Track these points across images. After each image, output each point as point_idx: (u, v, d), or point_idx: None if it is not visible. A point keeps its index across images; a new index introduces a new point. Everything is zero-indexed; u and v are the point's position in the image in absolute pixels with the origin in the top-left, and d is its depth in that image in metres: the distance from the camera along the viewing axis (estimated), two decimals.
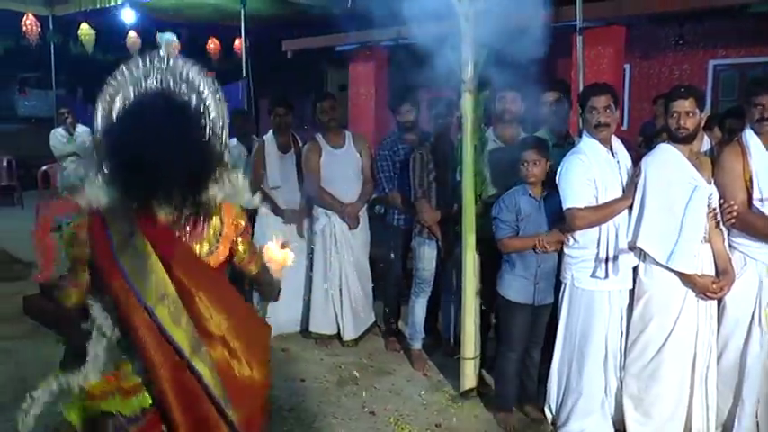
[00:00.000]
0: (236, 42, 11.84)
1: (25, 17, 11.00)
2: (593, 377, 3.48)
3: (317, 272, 4.95)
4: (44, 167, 9.71)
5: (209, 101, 2.13)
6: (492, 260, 3.83)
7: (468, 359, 3.97)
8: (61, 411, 2.18)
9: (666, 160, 3.26)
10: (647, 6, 6.98)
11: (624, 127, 8.26)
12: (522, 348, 3.72)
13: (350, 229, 4.86)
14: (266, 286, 2.47)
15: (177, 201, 1.97)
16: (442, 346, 4.69)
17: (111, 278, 1.96)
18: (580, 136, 3.59)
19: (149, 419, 2.02)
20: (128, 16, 10.61)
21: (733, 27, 8.11)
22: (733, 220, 3.21)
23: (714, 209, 3.24)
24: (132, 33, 11.92)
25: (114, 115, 2.08)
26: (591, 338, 3.44)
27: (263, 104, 10.61)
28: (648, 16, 7.27)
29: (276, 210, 5.04)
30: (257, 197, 2.32)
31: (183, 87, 2.11)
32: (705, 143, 3.41)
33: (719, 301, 3.32)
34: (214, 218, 2.10)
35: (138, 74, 2.10)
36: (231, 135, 5.60)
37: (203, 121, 2.08)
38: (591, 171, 3.35)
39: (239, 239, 2.19)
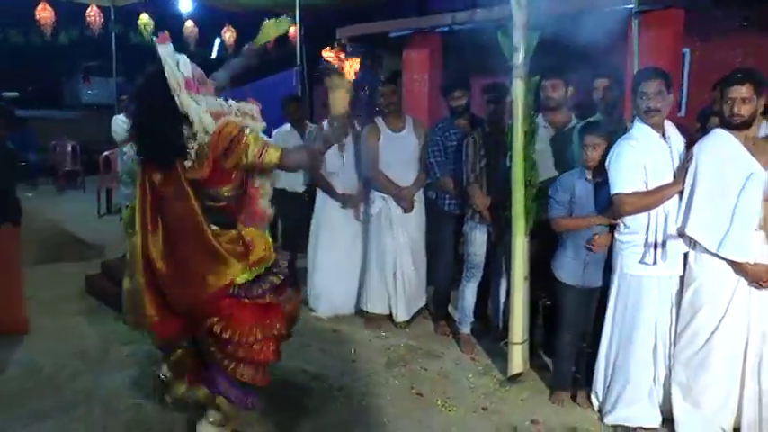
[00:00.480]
0: (291, 30, 11.97)
1: (89, 8, 11.37)
2: (640, 364, 3.46)
3: (372, 254, 5.06)
4: (105, 153, 10.04)
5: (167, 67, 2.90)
6: (548, 244, 3.86)
7: (517, 344, 4.00)
8: None
9: (720, 146, 3.20)
10: None
11: (682, 113, 8.04)
12: (577, 330, 3.76)
13: (405, 212, 4.92)
14: (301, 165, 3.30)
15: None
16: (491, 331, 4.71)
17: None
18: (633, 121, 3.55)
19: None
20: (185, 6, 10.84)
21: None
22: None
23: None
24: (189, 23, 12.19)
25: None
26: (639, 325, 3.42)
27: (316, 91, 10.72)
28: None
29: (333, 194, 5.15)
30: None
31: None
32: (763, 128, 3.32)
33: None
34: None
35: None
36: (285, 121, 5.75)
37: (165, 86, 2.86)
38: (641, 157, 3.33)
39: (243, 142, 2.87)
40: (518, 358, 4.03)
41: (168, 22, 12.36)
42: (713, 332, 3.24)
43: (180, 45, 12.90)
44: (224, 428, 3.23)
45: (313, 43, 9.62)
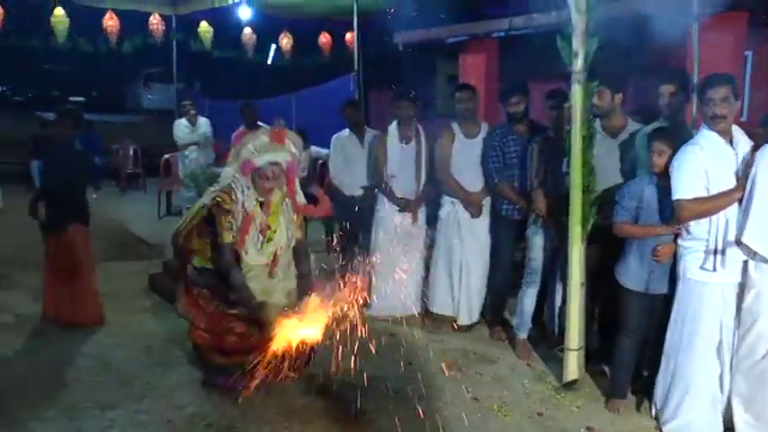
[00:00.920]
0: (348, 36, 12.13)
1: (152, 17, 11.79)
2: (702, 372, 3.41)
3: (440, 256, 5.14)
4: (166, 156, 10.34)
5: None
6: (611, 250, 3.86)
7: (572, 350, 3.99)
8: None
9: None
10: None
11: (744, 117, 7.84)
12: (638, 336, 3.74)
13: (472, 217, 4.96)
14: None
15: None
16: (547, 337, 4.70)
17: None
18: (695, 126, 3.51)
19: None
20: (244, 14, 11.12)
21: None
22: None
23: None
24: (247, 30, 12.50)
25: None
26: (700, 332, 3.38)
27: (373, 96, 10.84)
28: None
29: (392, 198, 5.23)
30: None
31: None
32: None
33: None
34: None
35: None
36: (343, 126, 5.85)
37: None
38: (704, 163, 3.30)
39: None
40: (574, 365, 4.01)
41: (227, 30, 12.73)
42: None
43: (239, 52, 13.25)
44: None
45: (370, 49, 9.78)
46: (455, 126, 5.03)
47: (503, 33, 8.73)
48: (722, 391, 3.43)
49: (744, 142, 3.38)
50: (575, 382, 4.01)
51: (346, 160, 5.57)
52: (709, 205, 3.29)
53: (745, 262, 3.30)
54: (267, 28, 12.74)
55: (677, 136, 3.62)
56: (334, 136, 5.71)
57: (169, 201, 10.08)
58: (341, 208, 5.76)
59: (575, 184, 3.86)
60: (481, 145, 4.97)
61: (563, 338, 4.06)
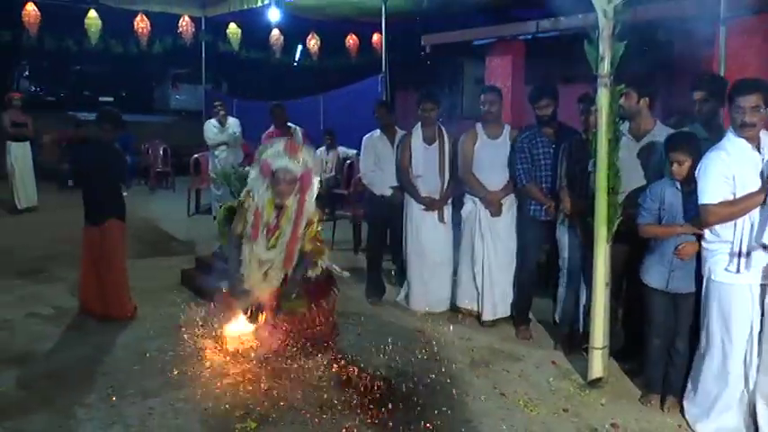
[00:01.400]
0: (375, 37, 12.26)
1: (182, 19, 12.01)
2: (732, 373, 3.45)
3: (464, 254, 5.30)
4: (195, 155, 10.54)
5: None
6: (639, 250, 3.95)
7: (597, 349, 4.06)
8: None
9: None
10: None
11: None
12: (665, 335, 3.83)
13: (492, 215, 5.07)
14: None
15: None
16: (573, 336, 4.76)
17: None
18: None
19: None
20: (273, 15, 11.27)
21: None
22: None
23: None
24: (275, 31, 12.66)
25: None
26: (729, 333, 3.43)
27: (399, 96, 10.94)
28: None
29: (417, 197, 5.39)
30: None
31: None
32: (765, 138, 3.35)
33: None
34: None
35: None
36: (373, 126, 5.97)
37: None
38: (730, 168, 3.34)
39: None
40: (598, 363, 4.08)
41: (255, 31, 12.90)
42: None
43: (266, 53, 13.43)
44: None
45: (397, 51, 9.89)
46: (479, 127, 5.17)
47: (530, 36, 8.79)
48: (748, 391, 3.46)
49: None
50: (599, 379, 4.08)
51: (377, 160, 5.69)
52: (734, 208, 3.33)
53: None
54: (295, 29, 12.89)
55: (696, 142, 3.67)
56: (366, 136, 5.83)
57: (198, 199, 10.29)
58: (371, 207, 5.91)
59: (600, 185, 3.93)
60: (503, 146, 5.10)
61: (588, 337, 4.14)
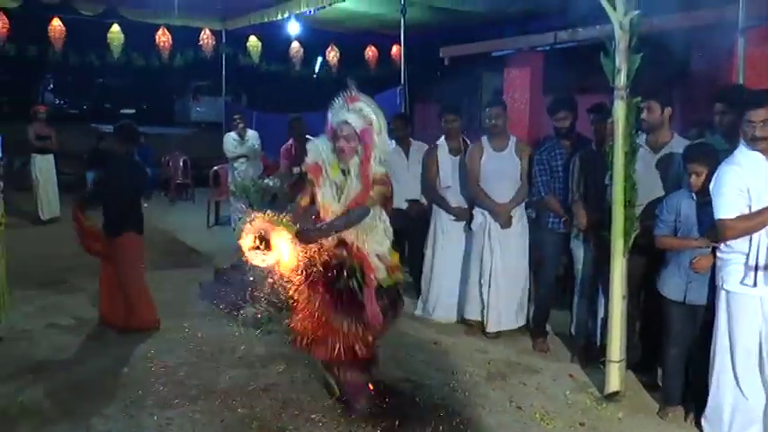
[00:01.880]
0: (394, 49, 12.31)
1: (203, 32, 12.15)
2: (749, 385, 3.43)
3: (473, 266, 5.29)
4: (215, 168, 10.64)
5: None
6: (656, 261, 3.96)
7: (614, 362, 4.03)
8: None
9: None
10: None
11: None
12: (683, 345, 3.82)
13: (502, 228, 5.05)
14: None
15: None
16: (590, 349, 4.74)
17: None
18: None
19: None
20: (293, 28, 11.37)
21: None
22: None
23: None
24: (295, 44, 12.75)
25: None
26: (740, 344, 3.42)
27: (418, 109, 10.97)
28: None
29: (447, 208, 5.46)
30: None
31: None
32: None
33: None
34: None
35: None
36: (390, 138, 6.02)
37: None
38: (744, 181, 3.33)
39: None
40: (615, 377, 4.05)
41: (276, 44, 13.01)
42: None
43: (286, 66, 13.53)
44: None
45: (416, 63, 9.93)
46: (484, 140, 5.18)
47: (548, 47, 8.80)
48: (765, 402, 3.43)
49: None
50: (616, 393, 4.05)
51: (392, 173, 5.71)
52: (751, 223, 3.32)
53: None
54: (314, 42, 12.98)
55: (713, 154, 3.65)
56: None
57: (218, 211, 10.37)
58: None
59: (617, 198, 3.92)
60: (510, 158, 5.12)
61: (605, 350, 4.11)
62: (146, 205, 5.57)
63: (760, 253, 3.31)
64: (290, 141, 7.67)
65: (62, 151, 10.81)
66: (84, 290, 6.22)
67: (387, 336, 5.17)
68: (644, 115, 4.14)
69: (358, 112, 3.74)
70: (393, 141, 5.86)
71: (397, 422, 3.72)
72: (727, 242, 3.43)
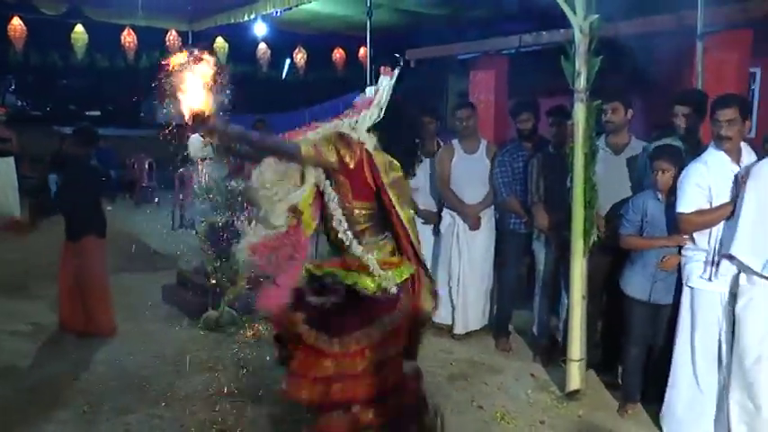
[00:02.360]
0: (361, 51, 12.31)
1: (169, 33, 12.01)
2: (705, 380, 3.53)
3: (441, 269, 5.26)
4: (180, 170, 10.51)
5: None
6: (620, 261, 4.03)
7: (574, 361, 4.07)
8: None
9: None
10: None
11: (752, 134, 7.90)
12: (644, 344, 3.89)
13: (471, 229, 5.07)
14: None
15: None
16: (553, 348, 4.78)
17: (383, 193, 2.91)
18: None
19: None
20: (260, 30, 11.30)
21: None
22: None
23: None
24: (262, 45, 12.67)
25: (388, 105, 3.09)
26: (699, 339, 3.52)
27: None
28: None
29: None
30: None
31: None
32: (746, 153, 3.46)
33: None
34: None
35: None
36: None
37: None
38: (706, 179, 3.44)
39: None
40: (576, 375, 4.10)
41: (242, 45, 12.93)
42: (762, 350, 3.27)
43: (253, 67, 13.45)
44: None
45: (381, 64, 9.93)
46: (455, 142, 5.17)
47: (513, 50, 8.87)
48: (724, 398, 3.50)
49: (750, 160, 3.48)
50: (577, 391, 4.10)
51: None
52: (706, 218, 3.45)
53: (738, 272, 3.39)
54: (282, 43, 12.91)
55: (679, 153, 3.74)
56: None
57: (183, 213, 10.25)
58: None
59: (577, 199, 3.97)
60: (480, 160, 5.11)
61: (565, 350, 4.15)
62: (109, 208, 5.49)
63: (716, 248, 3.44)
64: None
65: (24, 154, 10.58)
66: (43, 296, 6.08)
67: None
68: (609, 116, 4.22)
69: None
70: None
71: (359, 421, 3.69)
72: (692, 240, 3.54)
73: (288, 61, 14.61)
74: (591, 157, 4.00)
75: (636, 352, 3.91)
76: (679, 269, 3.68)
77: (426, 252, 5.32)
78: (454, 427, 3.75)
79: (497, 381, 4.43)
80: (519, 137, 5.00)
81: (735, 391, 3.38)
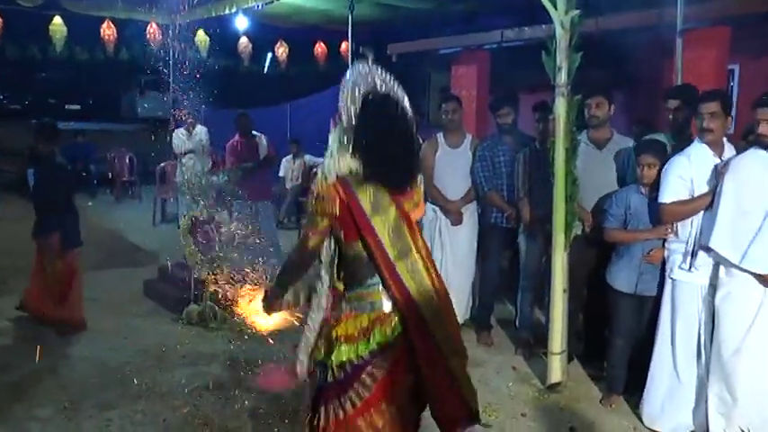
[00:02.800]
0: (343, 45, 12.27)
1: (149, 26, 11.89)
2: (685, 371, 3.60)
3: None
4: (162, 164, 10.44)
5: (405, 100, 2.54)
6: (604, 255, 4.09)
7: (555, 354, 4.12)
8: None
9: (750, 164, 3.32)
10: (756, 5, 6.75)
11: (731, 130, 8.00)
12: (629, 336, 3.94)
13: (453, 224, 5.09)
14: None
15: (409, 178, 2.50)
16: (537, 341, 4.81)
17: (365, 232, 2.37)
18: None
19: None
20: (241, 23, 11.23)
21: None
22: None
23: None
24: (244, 39, 12.59)
25: (359, 108, 2.43)
26: (679, 329, 3.59)
27: None
28: (759, 15, 7.03)
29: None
30: None
31: (391, 89, 2.52)
32: (727, 149, 3.55)
33: None
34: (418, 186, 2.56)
35: (367, 74, 2.49)
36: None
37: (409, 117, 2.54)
38: (688, 171, 3.52)
39: None
40: (557, 368, 4.14)
41: (224, 39, 12.83)
42: (741, 342, 3.33)
43: (235, 61, 13.36)
44: None
45: (364, 59, 9.92)
46: (439, 136, 5.17)
47: (494, 45, 8.90)
48: (702, 388, 3.57)
49: (731, 155, 3.53)
50: (558, 384, 4.14)
51: None
52: (685, 208, 3.53)
53: (718, 264, 3.46)
54: (263, 37, 12.82)
55: (663, 149, 3.81)
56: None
57: (164, 208, 10.19)
58: None
59: (558, 194, 4.00)
60: (464, 155, 5.10)
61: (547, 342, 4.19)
62: (90, 203, 5.44)
63: (697, 240, 3.50)
64: (236, 137, 7.59)
65: (1, 148, 10.46)
66: (20, 291, 5.96)
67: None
68: (593, 111, 4.26)
69: None
70: None
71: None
72: (676, 232, 3.61)
73: (269, 55, 14.53)
74: (572, 151, 4.03)
75: (621, 344, 3.96)
76: (663, 262, 3.74)
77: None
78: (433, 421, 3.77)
79: (479, 374, 4.44)
80: (499, 131, 5.01)
81: (714, 381, 3.45)
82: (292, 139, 9.54)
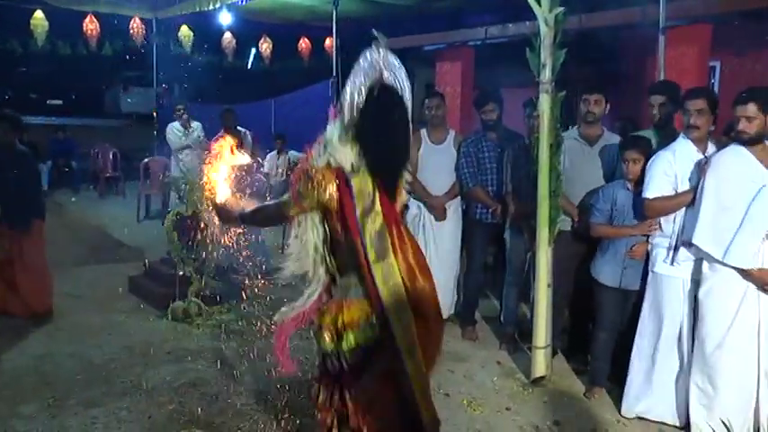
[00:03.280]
0: (327, 41, 12.24)
1: (132, 20, 11.79)
2: (664, 363, 3.66)
3: None
4: (146, 160, 10.38)
5: (407, 92, 2.52)
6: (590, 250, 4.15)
7: (540, 348, 4.16)
8: None
9: (730, 160, 3.36)
10: (737, 3, 6.84)
11: (712, 127, 8.10)
12: (613, 329, 4.00)
13: (436, 220, 5.11)
14: None
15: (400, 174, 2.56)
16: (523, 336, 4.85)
17: (351, 233, 2.44)
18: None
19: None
20: (225, 18, 11.18)
21: None
22: None
23: None
24: (228, 34, 12.53)
25: (365, 100, 2.42)
26: (663, 323, 3.65)
27: None
28: (740, 12, 7.12)
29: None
30: None
31: (396, 77, 2.49)
32: (710, 147, 3.61)
33: None
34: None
35: (376, 63, 2.47)
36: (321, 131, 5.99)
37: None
38: (672, 167, 3.58)
39: None
40: (541, 362, 4.19)
41: (208, 34, 12.77)
42: (723, 336, 3.37)
43: (218, 57, 13.30)
44: None
45: (348, 55, 9.90)
46: (423, 132, 5.19)
47: (479, 42, 8.94)
48: (683, 381, 3.63)
49: (713, 152, 3.58)
50: (542, 378, 4.19)
51: None
52: (668, 203, 3.59)
53: (700, 260, 3.50)
54: (247, 33, 12.77)
55: (648, 145, 3.86)
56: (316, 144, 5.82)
57: (148, 204, 10.13)
58: None
59: (542, 189, 4.04)
60: (447, 151, 5.13)
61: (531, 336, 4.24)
62: (73, 199, 5.40)
63: (680, 235, 3.57)
64: (222, 133, 7.56)
65: None
66: None
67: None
68: (591, 107, 4.30)
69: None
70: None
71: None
72: (660, 228, 3.67)
73: (253, 51, 14.47)
74: (556, 147, 4.07)
75: (605, 337, 4.02)
76: (647, 256, 3.80)
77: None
78: None
79: (463, 368, 4.49)
80: (483, 128, 5.04)
81: (695, 374, 3.50)
82: (277, 135, 9.51)
